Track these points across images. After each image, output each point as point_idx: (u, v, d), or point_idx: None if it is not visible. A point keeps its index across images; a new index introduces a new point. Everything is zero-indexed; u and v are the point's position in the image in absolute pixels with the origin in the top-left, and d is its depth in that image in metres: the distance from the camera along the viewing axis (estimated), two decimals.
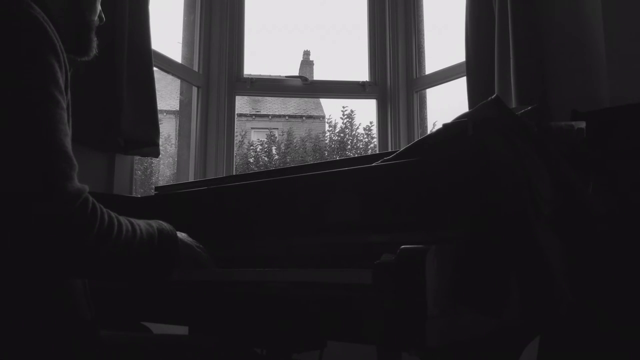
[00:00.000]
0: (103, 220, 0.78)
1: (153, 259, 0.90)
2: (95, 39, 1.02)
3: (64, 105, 0.79)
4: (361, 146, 13.61)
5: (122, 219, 0.84)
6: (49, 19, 0.81)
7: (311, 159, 12.57)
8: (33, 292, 0.81)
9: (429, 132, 1.13)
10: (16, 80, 0.75)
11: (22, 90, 0.75)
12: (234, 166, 2.50)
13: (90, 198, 0.78)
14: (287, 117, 14.61)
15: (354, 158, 1.29)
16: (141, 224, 0.89)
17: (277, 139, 13.63)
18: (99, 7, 1.03)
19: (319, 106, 14.97)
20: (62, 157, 0.75)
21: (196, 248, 1.05)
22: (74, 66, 0.92)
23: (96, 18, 1.02)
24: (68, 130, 0.80)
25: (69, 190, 0.74)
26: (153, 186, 1.82)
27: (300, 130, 14.12)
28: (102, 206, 0.80)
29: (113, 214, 0.82)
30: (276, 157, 13.06)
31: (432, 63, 2.57)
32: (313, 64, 16.17)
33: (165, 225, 0.96)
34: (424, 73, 2.53)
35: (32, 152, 0.73)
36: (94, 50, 1.02)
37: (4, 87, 0.74)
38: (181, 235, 1.01)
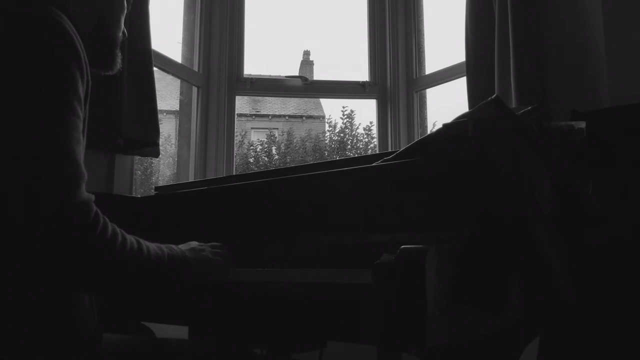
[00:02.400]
0: (105, 231, 0.78)
1: (161, 281, 0.90)
2: (119, 54, 1.03)
3: (81, 115, 0.80)
4: (361, 146, 13.60)
5: (129, 236, 0.84)
6: (76, 31, 0.82)
7: (311, 159, 12.56)
8: (34, 300, 0.81)
9: (429, 132, 1.13)
10: (37, 86, 0.75)
11: (41, 96, 0.75)
12: (234, 166, 2.50)
13: (94, 208, 0.77)
14: (287, 117, 14.60)
15: (354, 158, 1.29)
16: (150, 245, 0.88)
17: (277, 139, 13.62)
18: (123, 23, 1.04)
19: (319, 106, 14.96)
20: (72, 165, 0.75)
21: (210, 256, 1.02)
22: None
23: (120, 34, 1.03)
24: (82, 139, 0.80)
25: (74, 200, 0.74)
26: (153, 186, 1.82)
27: (300, 130, 14.10)
28: (107, 218, 0.80)
29: (118, 229, 0.82)
30: (276, 157, 13.04)
31: (432, 63, 2.58)
32: (313, 64, 16.15)
33: (176, 249, 0.94)
34: (424, 73, 2.53)
35: (41, 156, 0.73)
36: (119, 65, 1.03)
37: (25, 91, 0.74)
38: (191, 253, 0.98)
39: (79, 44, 0.80)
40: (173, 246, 0.95)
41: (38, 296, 0.81)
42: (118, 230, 0.81)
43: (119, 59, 1.03)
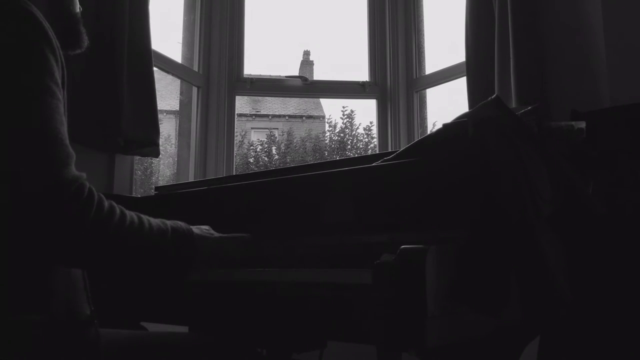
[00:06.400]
0: (101, 206, 0.78)
1: (166, 256, 0.89)
2: (84, 30, 1.02)
3: (60, 98, 0.80)
4: (361, 146, 13.59)
5: (129, 211, 0.84)
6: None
7: (311, 159, 12.56)
8: (30, 284, 0.81)
9: (429, 132, 1.13)
10: (12, 71, 0.76)
11: (18, 80, 0.76)
12: (234, 166, 2.50)
13: (87, 184, 0.78)
14: (287, 117, 14.60)
15: (354, 158, 1.29)
16: (152, 220, 0.89)
17: (277, 139, 13.62)
18: None
19: (319, 106, 14.95)
20: (58, 144, 0.76)
21: (232, 242, 1.03)
22: (71, 65, 0.92)
23: (77, 10, 1.02)
24: (64, 121, 0.81)
25: (64, 176, 0.74)
26: (153, 186, 1.82)
27: (300, 130, 14.10)
28: (102, 195, 0.80)
29: (116, 205, 0.82)
30: (276, 157, 13.04)
31: (432, 63, 2.58)
32: (313, 64, 16.13)
33: (180, 224, 0.95)
34: (424, 73, 2.53)
35: (28, 139, 0.74)
36: (86, 42, 1.02)
37: (3, 81, 0.75)
38: (197, 230, 0.98)
39: (49, 29, 0.81)
40: (179, 222, 0.95)
41: (31, 277, 0.81)
42: (115, 205, 0.82)
43: (85, 36, 1.02)
